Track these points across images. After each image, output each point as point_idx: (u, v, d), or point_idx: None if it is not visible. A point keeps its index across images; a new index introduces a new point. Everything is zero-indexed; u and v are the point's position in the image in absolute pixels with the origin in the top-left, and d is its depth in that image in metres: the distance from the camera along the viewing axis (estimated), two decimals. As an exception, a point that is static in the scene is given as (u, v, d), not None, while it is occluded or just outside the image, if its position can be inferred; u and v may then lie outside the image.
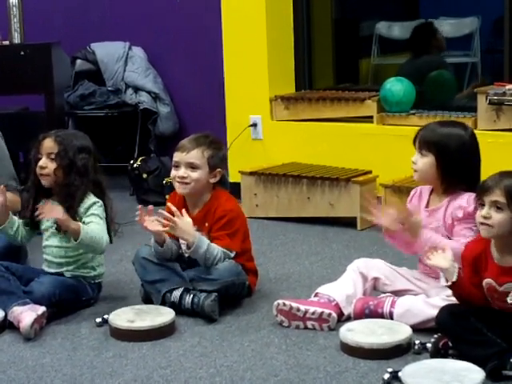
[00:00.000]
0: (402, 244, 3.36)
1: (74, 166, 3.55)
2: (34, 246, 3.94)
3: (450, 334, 2.94)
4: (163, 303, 3.50)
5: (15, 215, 3.67)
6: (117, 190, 4.82)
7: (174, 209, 3.51)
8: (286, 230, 4.87)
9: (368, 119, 5.09)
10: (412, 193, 3.51)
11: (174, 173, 3.66)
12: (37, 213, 3.44)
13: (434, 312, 3.03)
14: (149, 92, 6.09)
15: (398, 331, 3.11)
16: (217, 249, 3.53)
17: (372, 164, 4.94)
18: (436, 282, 3.34)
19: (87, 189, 3.57)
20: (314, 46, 5.91)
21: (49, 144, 3.58)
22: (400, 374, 2.80)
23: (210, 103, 5.83)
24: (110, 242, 3.71)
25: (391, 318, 3.27)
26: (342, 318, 3.35)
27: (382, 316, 3.29)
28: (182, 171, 3.62)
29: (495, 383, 2.78)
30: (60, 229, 3.55)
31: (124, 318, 3.35)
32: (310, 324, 3.32)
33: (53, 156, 3.56)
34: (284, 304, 3.35)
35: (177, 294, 3.49)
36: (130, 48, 6.19)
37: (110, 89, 6.14)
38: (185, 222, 3.49)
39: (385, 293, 3.42)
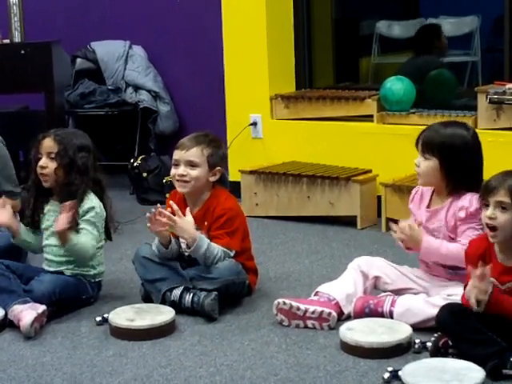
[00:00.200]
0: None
1: (74, 165, 3.55)
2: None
3: (450, 333, 2.94)
4: (163, 302, 3.50)
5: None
6: (117, 189, 4.84)
7: (175, 208, 3.51)
8: (286, 228, 4.87)
9: (368, 118, 5.08)
10: (413, 192, 3.50)
11: (173, 171, 3.66)
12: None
13: (435, 311, 3.03)
14: (149, 91, 6.09)
15: (398, 330, 3.11)
16: (217, 248, 3.53)
17: (372, 163, 4.94)
18: (437, 281, 3.35)
19: (87, 187, 3.58)
20: (314, 44, 5.91)
21: (48, 143, 3.59)
22: (400, 373, 2.80)
23: (210, 102, 5.83)
24: (110, 239, 3.72)
25: (391, 317, 3.27)
26: (342, 317, 3.35)
27: (382, 315, 3.29)
28: (182, 169, 3.62)
29: (495, 382, 2.78)
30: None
31: (124, 316, 3.35)
32: (310, 323, 3.32)
33: (53, 155, 3.57)
34: (284, 303, 3.35)
35: (177, 292, 3.49)
36: (130, 47, 6.19)
37: (110, 87, 6.14)
38: (185, 221, 3.49)
39: (385, 291, 3.42)
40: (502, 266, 2.88)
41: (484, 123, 4.64)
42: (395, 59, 6.96)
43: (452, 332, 2.93)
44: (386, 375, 2.82)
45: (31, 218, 3.64)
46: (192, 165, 3.62)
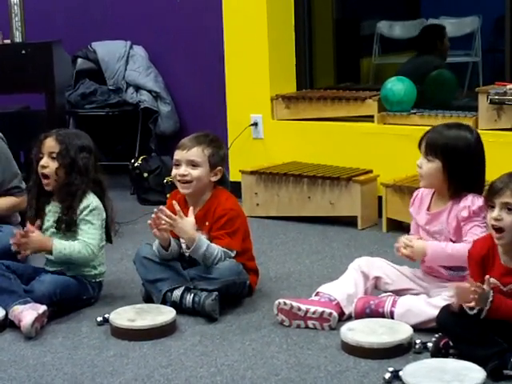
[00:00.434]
0: None
1: (75, 165, 3.56)
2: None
3: (450, 333, 2.94)
4: (164, 302, 3.50)
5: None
6: (117, 189, 4.85)
7: (177, 208, 3.51)
8: (287, 229, 4.87)
9: (369, 118, 5.08)
10: (414, 195, 3.50)
11: (174, 171, 3.66)
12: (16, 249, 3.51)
13: (435, 312, 3.03)
14: (150, 91, 6.09)
15: (398, 331, 3.11)
16: (217, 249, 3.53)
17: (373, 163, 4.94)
18: (437, 281, 3.35)
19: (87, 188, 3.58)
20: (315, 45, 5.91)
21: (50, 143, 3.59)
22: (401, 373, 2.80)
23: (211, 102, 5.84)
24: (110, 242, 3.73)
25: (392, 318, 3.27)
26: (343, 318, 3.35)
27: (382, 315, 3.29)
28: (183, 169, 3.62)
29: (496, 383, 2.78)
30: (60, 228, 3.56)
31: (125, 317, 3.35)
32: (310, 323, 3.32)
33: (54, 155, 3.57)
34: (285, 303, 3.35)
35: (177, 293, 3.49)
36: (131, 47, 6.19)
37: (110, 88, 6.14)
38: (186, 221, 3.49)
39: (386, 292, 3.42)
40: (505, 267, 2.88)
41: (485, 124, 4.64)
42: (396, 59, 6.96)
43: (452, 333, 2.93)
44: (387, 375, 2.82)
45: (34, 218, 3.64)
46: (193, 164, 3.62)
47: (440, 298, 3.18)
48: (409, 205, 3.51)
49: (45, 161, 3.58)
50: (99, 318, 3.44)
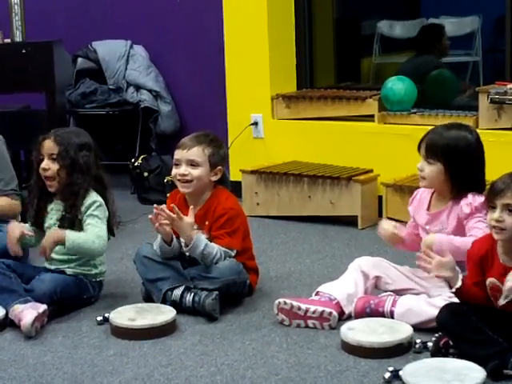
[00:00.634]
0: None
1: (76, 165, 3.56)
2: (35, 245, 3.94)
3: (450, 333, 2.94)
4: (164, 302, 3.50)
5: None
6: (118, 189, 4.80)
7: (176, 210, 3.50)
8: (287, 228, 4.87)
9: (369, 118, 5.09)
10: (412, 196, 3.51)
11: (174, 171, 3.66)
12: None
13: (436, 312, 3.03)
14: (150, 90, 6.09)
15: (398, 330, 3.11)
16: (216, 248, 3.53)
17: (373, 163, 4.94)
18: (437, 281, 3.34)
19: (90, 186, 3.58)
20: (315, 44, 5.91)
21: (49, 145, 3.59)
22: (401, 372, 2.80)
23: (211, 102, 5.83)
24: (113, 235, 3.72)
25: (392, 317, 3.27)
26: (343, 317, 3.35)
27: (382, 315, 3.29)
28: (183, 169, 3.62)
29: (496, 382, 2.78)
30: (63, 226, 3.56)
31: (125, 316, 3.35)
32: (310, 323, 3.32)
33: (54, 156, 3.57)
34: (285, 303, 3.35)
35: (178, 292, 3.49)
36: (131, 46, 6.19)
37: (111, 87, 6.14)
38: (184, 222, 3.48)
39: (386, 291, 3.42)
40: (505, 266, 2.88)
41: (485, 123, 4.64)
42: (396, 59, 6.96)
43: (453, 332, 2.93)
44: (387, 375, 2.82)
45: (35, 218, 3.64)
46: (193, 164, 3.62)
47: (440, 298, 3.19)
48: (408, 203, 3.52)
49: (45, 163, 3.58)
50: (99, 318, 3.44)
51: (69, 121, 6.11)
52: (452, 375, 2.74)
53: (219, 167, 3.67)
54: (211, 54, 5.80)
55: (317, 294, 3.43)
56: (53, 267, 3.62)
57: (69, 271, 3.60)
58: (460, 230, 3.29)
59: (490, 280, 2.89)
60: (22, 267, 3.63)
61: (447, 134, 3.30)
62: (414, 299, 3.29)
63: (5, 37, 5.54)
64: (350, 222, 4.80)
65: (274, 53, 5.38)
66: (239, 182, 5.11)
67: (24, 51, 5.38)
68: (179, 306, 3.45)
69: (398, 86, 5.01)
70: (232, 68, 5.47)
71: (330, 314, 3.30)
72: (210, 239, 3.57)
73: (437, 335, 2.99)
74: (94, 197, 3.58)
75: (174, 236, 3.57)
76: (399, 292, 3.41)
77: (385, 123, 5.03)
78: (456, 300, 2.99)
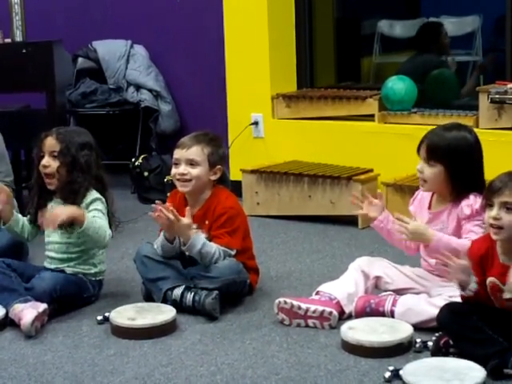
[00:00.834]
0: (385, 233, 3.41)
1: (76, 163, 3.56)
2: (35, 244, 3.94)
3: (450, 332, 2.94)
4: (164, 301, 3.50)
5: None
6: (118, 188, 4.83)
7: (174, 212, 3.48)
8: (287, 228, 4.87)
9: (369, 118, 5.09)
10: (414, 196, 3.51)
11: (174, 170, 3.66)
12: (41, 223, 3.47)
13: (436, 311, 3.03)
14: (150, 90, 6.09)
15: (399, 330, 3.11)
16: (214, 247, 3.52)
17: (373, 162, 4.94)
18: (438, 281, 3.35)
19: (90, 185, 3.58)
20: (315, 44, 5.91)
21: (51, 142, 3.59)
22: (401, 372, 2.80)
23: (212, 101, 5.83)
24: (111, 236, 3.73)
25: (392, 317, 3.27)
26: (344, 317, 3.35)
27: (383, 314, 3.29)
28: (183, 168, 3.62)
29: (496, 382, 2.78)
30: (62, 224, 3.55)
31: (125, 315, 3.35)
32: (311, 322, 3.32)
33: (55, 154, 3.57)
34: (285, 302, 3.35)
35: (178, 291, 3.49)
36: (131, 46, 6.19)
37: (111, 87, 6.14)
38: (181, 224, 3.47)
39: (386, 291, 3.42)
40: (504, 265, 2.88)
41: (485, 123, 4.64)
42: (397, 59, 6.95)
43: (453, 332, 2.93)
44: (387, 374, 2.82)
45: (34, 215, 3.64)
46: (192, 163, 3.62)
47: (440, 298, 3.19)
48: (409, 204, 3.52)
49: (46, 160, 3.58)
50: (99, 317, 3.44)
51: (69, 120, 6.11)
52: (452, 374, 2.74)
53: (218, 166, 3.67)
54: (211, 54, 5.80)
55: (317, 293, 3.43)
56: (52, 266, 3.63)
57: (68, 270, 3.60)
58: (459, 231, 3.29)
59: (490, 279, 2.89)
60: (22, 266, 3.63)
61: (448, 135, 3.29)
62: (414, 299, 3.29)
63: (5, 36, 5.55)
64: (350, 221, 4.80)
65: (274, 52, 5.38)
66: (239, 182, 5.11)
67: (24, 51, 5.38)
68: (179, 306, 3.45)
69: (398, 85, 5.01)
70: (232, 67, 5.47)
71: (331, 313, 3.30)
72: (210, 238, 3.57)
73: (437, 335, 2.99)
74: (94, 194, 3.58)
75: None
76: (399, 291, 3.41)
77: (385, 123, 5.03)
78: (456, 299, 2.99)
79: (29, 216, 3.67)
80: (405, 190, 4.54)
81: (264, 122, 5.42)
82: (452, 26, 7.10)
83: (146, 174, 5.59)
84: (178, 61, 6.13)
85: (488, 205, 2.86)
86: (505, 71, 5.03)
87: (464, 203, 3.25)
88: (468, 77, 6.90)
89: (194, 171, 3.61)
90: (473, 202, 3.23)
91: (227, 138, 5.41)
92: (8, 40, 5.54)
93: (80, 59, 6.21)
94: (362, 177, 4.82)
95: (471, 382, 2.70)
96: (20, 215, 3.65)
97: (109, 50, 6.19)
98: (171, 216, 3.45)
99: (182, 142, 3.69)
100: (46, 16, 6.28)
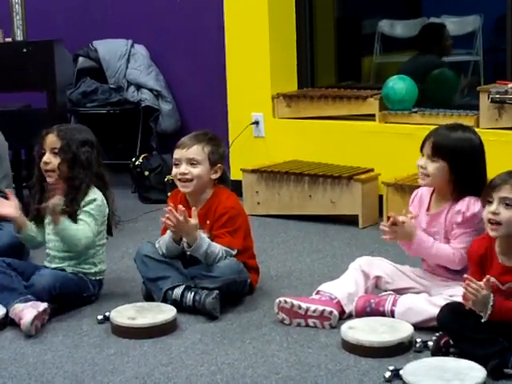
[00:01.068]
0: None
1: (77, 160, 3.57)
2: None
3: (451, 332, 2.94)
4: (164, 300, 3.49)
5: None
6: (119, 188, 4.82)
7: (183, 214, 3.48)
8: (288, 227, 4.87)
9: (370, 117, 5.08)
10: (413, 195, 3.51)
11: (175, 170, 3.66)
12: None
13: (436, 311, 3.03)
14: (151, 89, 6.09)
15: (399, 329, 3.11)
16: (218, 247, 3.53)
17: (374, 162, 4.94)
18: (438, 280, 3.35)
19: (91, 182, 3.59)
20: (316, 43, 5.91)
21: (52, 139, 3.60)
22: (401, 372, 2.80)
23: (212, 101, 5.83)
24: (111, 234, 3.73)
25: (392, 317, 3.27)
26: (344, 316, 3.35)
27: (383, 314, 3.29)
28: (183, 167, 3.62)
29: (496, 382, 2.78)
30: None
31: (125, 315, 3.35)
32: (311, 322, 3.32)
33: (56, 151, 3.58)
34: (285, 302, 3.35)
35: (178, 291, 3.49)
36: (132, 46, 6.19)
37: (111, 86, 6.14)
38: (190, 225, 3.47)
39: (387, 291, 3.42)
40: (503, 266, 2.88)
41: (486, 122, 4.63)
42: (397, 58, 6.96)
43: (453, 331, 2.93)
44: (387, 374, 2.82)
45: (36, 213, 3.64)
46: (193, 163, 3.62)
47: (441, 297, 3.19)
48: (409, 203, 3.52)
49: (47, 157, 3.59)
50: (100, 316, 3.44)
51: (70, 120, 6.10)
52: (452, 374, 2.74)
53: (219, 165, 3.67)
54: (212, 53, 5.80)
55: (317, 293, 3.43)
56: (53, 265, 3.63)
57: (69, 269, 3.60)
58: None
59: (491, 279, 2.88)
60: (23, 265, 3.63)
61: (454, 135, 3.30)
62: (414, 298, 3.29)
63: (6, 36, 5.55)
64: (350, 221, 4.80)
65: (274, 52, 5.38)
66: (240, 181, 5.11)
67: (25, 50, 5.38)
68: (180, 305, 3.45)
69: (398, 85, 5.00)
70: (233, 67, 5.47)
71: (331, 313, 3.30)
72: (211, 238, 3.57)
73: (437, 334, 2.99)
74: (95, 194, 3.58)
75: (168, 233, 3.56)
76: (400, 291, 3.41)
77: (386, 122, 5.02)
78: (456, 299, 2.99)
79: (30, 215, 3.67)
80: (405, 189, 4.54)
81: (264, 121, 5.42)
82: (453, 25, 7.11)
83: (146, 173, 5.59)
84: (178, 60, 6.13)
85: (488, 201, 2.88)
86: (505, 71, 5.03)
87: (458, 207, 3.25)
88: (468, 76, 6.91)
89: (195, 170, 3.61)
90: (465, 208, 3.23)
91: (228, 138, 5.41)
92: (9, 39, 5.54)
93: (80, 59, 6.21)
94: (363, 176, 4.82)
95: (471, 382, 2.70)
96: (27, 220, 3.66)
97: (109, 49, 6.19)
98: (181, 217, 3.44)
99: (181, 141, 3.69)
100: (47, 15, 6.28)
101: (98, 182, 3.63)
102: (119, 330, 3.30)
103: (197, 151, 3.62)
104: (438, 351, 2.96)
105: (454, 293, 3.12)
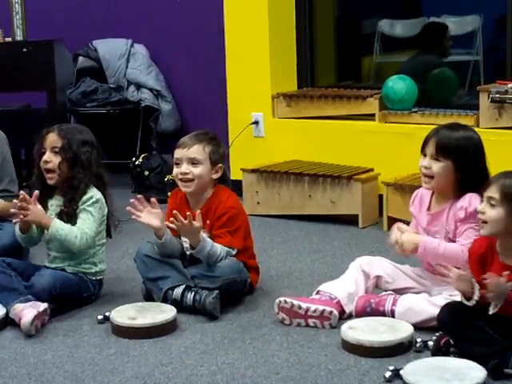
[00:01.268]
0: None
1: (77, 160, 3.57)
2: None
3: (451, 332, 2.94)
4: (165, 300, 3.49)
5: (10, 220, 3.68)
6: (119, 188, 4.81)
7: (189, 218, 3.47)
8: (288, 227, 4.87)
9: (370, 117, 5.08)
10: (413, 195, 3.51)
11: (176, 170, 3.66)
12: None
13: (436, 311, 3.04)
14: (151, 89, 6.09)
15: (399, 329, 3.11)
16: (220, 248, 3.53)
17: (374, 162, 4.94)
18: (438, 280, 3.34)
19: (90, 182, 3.59)
20: (316, 43, 5.90)
21: (52, 138, 3.60)
22: (401, 371, 2.80)
23: (212, 101, 5.83)
24: (110, 236, 3.73)
25: (393, 316, 3.27)
26: (344, 316, 3.35)
27: (383, 314, 3.29)
28: (184, 167, 3.62)
29: (496, 381, 2.78)
30: (62, 220, 3.54)
31: (125, 315, 3.35)
32: (311, 322, 3.32)
33: (57, 150, 3.58)
34: (285, 301, 3.35)
35: (178, 291, 3.49)
36: (132, 45, 6.19)
37: (111, 86, 6.14)
38: (194, 228, 3.46)
39: (387, 291, 3.42)
40: (504, 264, 2.89)
41: (486, 122, 4.63)
42: (397, 58, 6.96)
43: (453, 331, 2.93)
44: (388, 374, 2.82)
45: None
46: (194, 162, 3.62)
47: (441, 297, 3.19)
48: (409, 203, 3.52)
49: (47, 156, 3.59)
50: (100, 316, 3.44)
51: (70, 120, 6.11)
52: (452, 374, 2.74)
53: (220, 165, 3.67)
54: (212, 53, 5.80)
55: (317, 292, 3.43)
56: (53, 265, 3.63)
57: (69, 269, 3.60)
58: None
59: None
60: (23, 265, 3.63)
61: (456, 134, 3.31)
62: (414, 298, 3.29)
63: (5, 35, 5.55)
64: (350, 220, 4.80)
65: (274, 51, 5.38)
66: (240, 181, 5.11)
67: (25, 50, 5.38)
68: (180, 305, 3.45)
69: (398, 84, 5.00)
70: (233, 67, 5.47)
71: (331, 313, 3.30)
72: (211, 238, 3.57)
73: (437, 334, 2.99)
74: (93, 192, 3.58)
75: (168, 233, 3.55)
76: (400, 291, 3.41)
77: (385, 122, 5.02)
78: (456, 299, 2.99)
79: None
80: (405, 189, 4.54)
81: (264, 121, 5.42)
82: (453, 25, 7.10)
83: (146, 173, 5.59)
84: (178, 60, 6.13)
85: (481, 200, 2.93)
86: (505, 70, 5.03)
87: (460, 204, 3.25)
88: (468, 76, 6.91)
89: (196, 170, 3.61)
90: (467, 204, 3.24)
91: (228, 138, 5.41)
92: (8, 39, 5.55)
93: (80, 58, 6.21)
94: (363, 176, 4.83)
95: (471, 382, 2.70)
96: None
97: (109, 49, 6.19)
98: (186, 222, 3.43)
99: (182, 141, 3.69)
100: (47, 15, 6.28)
101: (97, 182, 3.63)
102: (119, 329, 3.30)
103: (198, 151, 3.62)
104: (438, 351, 2.96)
105: (454, 292, 3.12)
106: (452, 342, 2.95)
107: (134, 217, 3.53)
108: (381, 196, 4.78)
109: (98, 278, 3.68)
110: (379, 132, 4.99)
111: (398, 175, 4.71)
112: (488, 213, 2.85)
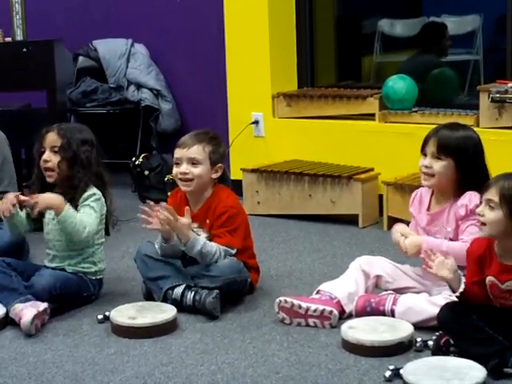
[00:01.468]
0: None
1: (77, 159, 3.57)
2: (36, 243, 3.95)
3: (451, 331, 2.94)
4: (165, 300, 3.50)
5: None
6: (119, 187, 4.82)
7: (172, 212, 3.47)
8: (288, 227, 4.87)
9: (370, 117, 5.08)
10: (413, 196, 3.52)
11: (175, 170, 3.66)
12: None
13: (436, 310, 3.04)
14: (151, 89, 6.09)
15: (399, 329, 3.11)
16: (215, 247, 3.52)
17: (374, 161, 4.94)
18: (438, 280, 3.34)
19: (89, 181, 3.59)
20: (316, 43, 5.90)
21: (52, 137, 3.61)
22: (401, 371, 2.80)
23: (212, 100, 5.83)
24: (108, 234, 3.73)
25: (393, 316, 3.27)
26: (344, 316, 3.35)
27: (383, 314, 3.29)
28: (184, 167, 3.62)
29: (496, 381, 2.78)
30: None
31: (125, 314, 3.36)
32: (311, 321, 3.32)
33: (56, 149, 3.59)
34: (286, 301, 3.35)
35: (178, 290, 3.49)
36: (132, 45, 6.19)
37: (112, 86, 6.14)
38: (180, 224, 3.47)
39: (387, 290, 3.42)
40: (502, 265, 2.89)
41: (486, 122, 4.63)
42: (397, 58, 6.95)
43: (453, 331, 2.93)
44: (388, 373, 2.83)
45: (32, 209, 3.63)
46: (194, 162, 3.62)
47: (441, 297, 3.19)
48: (409, 203, 3.52)
49: (47, 155, 3.60)
50: (100, 316, 3.44)
51: (69, 119, 6.10)
52: (452, 374, 2.74)
53: (219, 164, 3.67)
54: (212, 53, 5.80)
55: (317, 292, 3.43)
56: (53, 265, 3.63)
57: (69, 269, 3.60)
58: (458, 231, 3.30)
59: (490, 278, 2.89)
60: (23, 265, 3.63)
61: (457, 134, 3.33)
62: (414, 298, 3.29)
63: (5, 35, 5.55)
64: (350, 220, 4.80)
65: (274, 51, 5.38)
66: (240, 181, 5.11)
67: (25, 50, 5.38)
68: (180, 305, 3.46)
69: (398, 84, 5.00)
70: (233, 66, 5.47)
71: (331, 312, 3.30)
72: (211, 237, 3.57)
73: (437, 334, 2.99)
74: (93, 190, 3.58)
75: (174, 235, 3.56)
76: (400, 291, 3.41)
77: (386, 122, 5.02)
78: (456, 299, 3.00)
79: (29, 210, 3.66)
80: (405, 189, 4.54)
81: (264, 121, 5.42)
82: (453, 24, 7.10)
83: (146, 172, 5.59)
84: (178, 60, 6.13)
85: (481, 202, 2.92)
86: (505, 70, 5.03)
87: (460, 202, 3.26)
88: (468, 76, 6.91)
89: (196, 170, 3.62)
90: (468, 201, 3.24)
91: (228, 137, 5.41)
92: (8, 39, 5.55)
93: (80, 58, 6.21)
94: (363, 176, 4.83)
95: (471, 382, 2.70)
96: (20, 212, 3.62)
97: (109, 48, 6.19)
98: (169, 215, 3.44)
99: (182, 141, 3.69)
100: (47, 15, 6.28)
101: (96, 181, 3.63)
102: (119, 329, 3.31)
103: (198, 151, 3.62)
104: (438, 350, 2.96)
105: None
106: (452, 341, 2.95)
107: (143, 225, 3.52)
108: (381, 196, 4.78)
109: (98, 277, 3.68)
110: (379, 132, 4.99)
111: (398, 175, 4.71)
112: (487, 215, 2.85)
